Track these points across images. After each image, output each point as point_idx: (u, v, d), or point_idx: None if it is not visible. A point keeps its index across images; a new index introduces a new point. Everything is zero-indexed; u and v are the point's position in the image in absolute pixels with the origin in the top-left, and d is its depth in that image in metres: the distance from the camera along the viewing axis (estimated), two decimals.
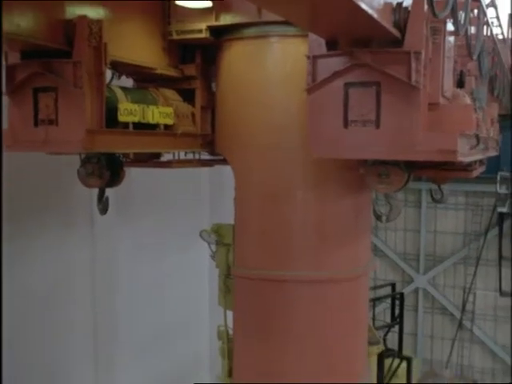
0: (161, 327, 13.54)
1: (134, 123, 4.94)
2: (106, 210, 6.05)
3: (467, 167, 5.67)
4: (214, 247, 6.38)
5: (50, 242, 10.46)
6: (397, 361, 9.98)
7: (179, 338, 14.43)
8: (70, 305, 11.18)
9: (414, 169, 5.03)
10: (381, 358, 9.01)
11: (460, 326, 19.80)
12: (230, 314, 6.24)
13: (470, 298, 19.67)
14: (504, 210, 17.88)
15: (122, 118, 4.77)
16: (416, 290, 20.68)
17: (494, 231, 19.08)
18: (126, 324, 12.14)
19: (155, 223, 12.95)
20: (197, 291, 14.92)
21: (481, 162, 6.28)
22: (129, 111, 4.82)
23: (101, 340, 11.81)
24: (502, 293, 18.93)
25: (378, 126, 4.31)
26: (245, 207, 5.72)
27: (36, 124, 4.56)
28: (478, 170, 6.18)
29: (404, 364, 10.06)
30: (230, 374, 6.18)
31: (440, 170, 5.59)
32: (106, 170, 5.55)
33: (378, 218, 5.89)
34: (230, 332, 6.28)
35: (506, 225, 18.71)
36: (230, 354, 6.12)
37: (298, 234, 5.45)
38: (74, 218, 10.91)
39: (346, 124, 4.40)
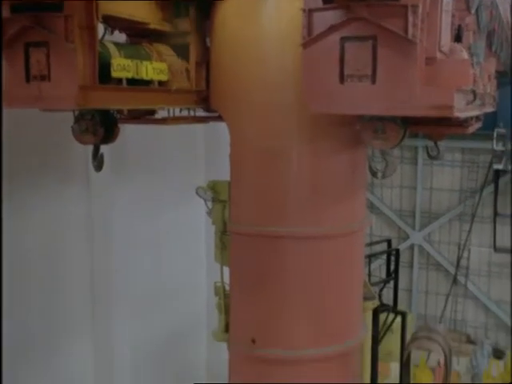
0: (158, 284, 13.67)
1: (127, 79, 4.88)
2: (101, 166, 6.03)
3: (463, 123, 5.64)
4: (209, 204, 6.38)
5: (46, 199, 10.47)
6: (392, 316, 10.12)
7: (176, 294, 14.57)
8: (67, 260, 11.27)
9: (411, 125, 5.01)
10: (376, 313, 9.14)
11: (454, 281, 20.05)
12: (226, 270, 6.29)
13: (465, 254, 19.86)
14: (500, 166, 17.91)
15: (115, 73, 4.70)
16: (411, 247, 20.87)
17: (490, 188, 19.15)
18: (123, 280, 12.24)
19: (151, 180, 12.94)
20: (193, 248, 15.02)
21: (477, 118, 6.25)
22: (122, 67, 4.75)
23: (98, 296, 11.94)
24: (496, 249, 19.12)
25: (374, 80, 4.27)
26: (240, 164, 5.71)
27: (28, 80, 4.50)
28: (475, 126, 6.15)
29: (399, 319, 10.21)
30: (226, 329, 6.26)
31: (436, 126, 5.56)
32: (100, 127, 5.51)
33: (374, 174, 5.90)
34: (227, 288, 6.34)
35: (502, 182, 18.77)
36: (227, 309, 6.19)
37: (293, 190, 5.45)
38: (70, 175, 10.90)
39: (341, 79, 4.36)
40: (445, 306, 19.98)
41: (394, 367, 14.91)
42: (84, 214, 11.35)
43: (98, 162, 5.98)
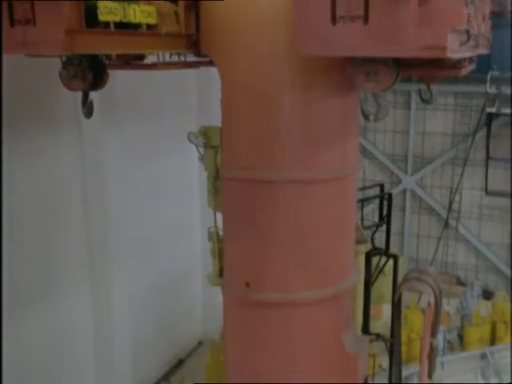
0: (152, 230, 13.76)
1: (115, 23, 4.77)
2: (91, 113, 5.96)
3: (456, 65, 5.56)
4: (201, 150, 6.36)
5: (38, 148, 10.41)
6: (384, 259, 10.24)
7: (171, 240, 14.70)
8: (62, 208, 11.29)
9: (403, 67, 4.94)
10: (368, 256, 9.26)
11: (446, 225, 20.27)
12: (219, 215, 6.32)
13: (457, 198, 20.02)
14: (493, 110, 17.86)
15: (102, 17, 4.58)
16: (404, 191, 20.99)
17: (483, 132, 19.15)
18: (118, 227, 12.31)
19: (142, 127, 12.87)
20: (187, 194, 15.06)
21: (470, 59, 6.15)
22: (109, 10, 4.63)
23: (94, 243, 12.01)
24: (487, 192, 19.27)
25: (366, 21, 4.20)
26: (231, 109, 5.65)
27: (12, 24, 4.38)
28: (468, 68, 6.07)
29: (391, 262, 10.34)
30: (220, 273, 6.33)
31: (429, 68, 5.49)
32: (89, 72, 5.42)
33: (366, 117, 5.85)
34: (220, 233, 6.38)
35: (495, 125, 18.75)
36: (220, 254, 6.26)
37: (284, 134, 5.42)
38: (61, 123, 10.81)
39: (333, 20, 4.28)
40: (436, 249, 20.27)
41: (386, 309, 15.21)
42: (77, 161, 11.31)
43: (88, 108, 5.91)
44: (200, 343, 16.69)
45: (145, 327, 13.98)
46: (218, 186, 6.16)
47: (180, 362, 15.76)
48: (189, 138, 6.29)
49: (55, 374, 11.57)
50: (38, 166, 10.40)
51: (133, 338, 13.32)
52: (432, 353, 6.03)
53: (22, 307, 10.42)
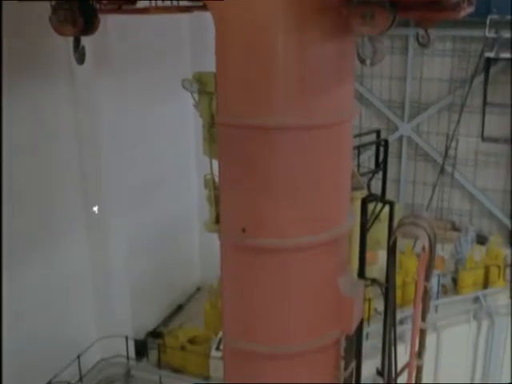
0: (149, 178, 13.76)
1: None
2: (83, 59, 5.86)
3: (455, 7, 5.46)
4: (196, 96, 6.28)
5: (32, 98, 10.32)
6: (380, 205, 10.27)
7: (167, 188, 14.73)
8: (58, 157, 11.27)
9: (400, 9, 4.84)
10: (364, 202, 9.28)
11: (441, 171, 20.32)
12: (215, 163, 6.29)
13: (453, 145, 20.01)
14: (491, 55, 17.63)
15: None
16: (400, 138, 20.95)
17: (480, 78, 18.97)
18: (113, 172, 12.30)
19: (135, 74, 12.70)
20: (182, 141, 15.00)
21: (469, 1, 6.04)
22: None
23: (90, 196, 12.04)
24: (483, 138, 19.23)
25: None
26: (225, 54, 5.55)
27: None
28: (467, 11, 5.95)
29: (386, 208, 10.37)
30: (217, 220, 6.34)
31: (426, 11, 5.39)
32: (79, 17, 5.31)
33: (362, 61, 5.75)
34: (216, 180, 6.36)
35: (493, 71, 18.56)
36: (217, 201, 6.26)
37: (279, 79, 5.34)
38: (53, 70, 10.67)
39: None
40: (432, 196, 20.38)
41: (382, 255, 15.38)
42: (70, 105, 11.23)
43: (80, 54, 5.81)
44: (198, 289, 16.95)
45: (144, 274, 14.15)
46: (214, 133, 6.11)
47: (179, 308, 16.03)
48: (183, 85, 6.20)
49: (55, 319, 11.78)
50: (33, 111, 10.33)
51: (132, 284, 13.50)
52: (426, 296, 6.12)
53: (21, 252, 10.54)
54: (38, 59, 10.32)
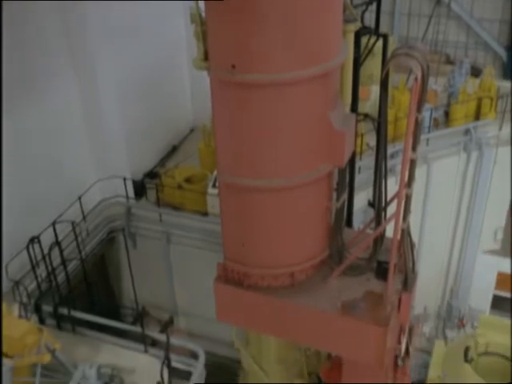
0: (134, 13, 13.29)
1: None
2: None
3: None
4: None
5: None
6: (373, 38, 10.00)
7: (154, 25, 14.29)
8: None
9: None
10: (357, 35, 9.03)
11: (438, 1, 19.61)
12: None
13: None
14: None
15: None
16: None
17: None
18: (98, 19, 11.89)
19: None
20: None
21: None
22: None
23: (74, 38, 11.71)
24: None
25: None
26: None
27: None
28: None
29: (380, 42, 10.12)
30: (205, 56, 6.17)
31: None
32: None
33: None
34: (203, 15, 6.12)
35: None
36: (204, 35, 6.05)
37: None
38: None
39: None
40: (427, 28, 19.82)
41: (375, 90, 15.32)
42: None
43: None
44: (192, 130, 17.02)
45: (137, 116, 14.12)
46: None
47: (174, 149, 16.20)
48: None
49: (54, 163, 11.95)
50: None
51: (126, 126, 13.50)
52: (417, 127, 6.16)
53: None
54: None
